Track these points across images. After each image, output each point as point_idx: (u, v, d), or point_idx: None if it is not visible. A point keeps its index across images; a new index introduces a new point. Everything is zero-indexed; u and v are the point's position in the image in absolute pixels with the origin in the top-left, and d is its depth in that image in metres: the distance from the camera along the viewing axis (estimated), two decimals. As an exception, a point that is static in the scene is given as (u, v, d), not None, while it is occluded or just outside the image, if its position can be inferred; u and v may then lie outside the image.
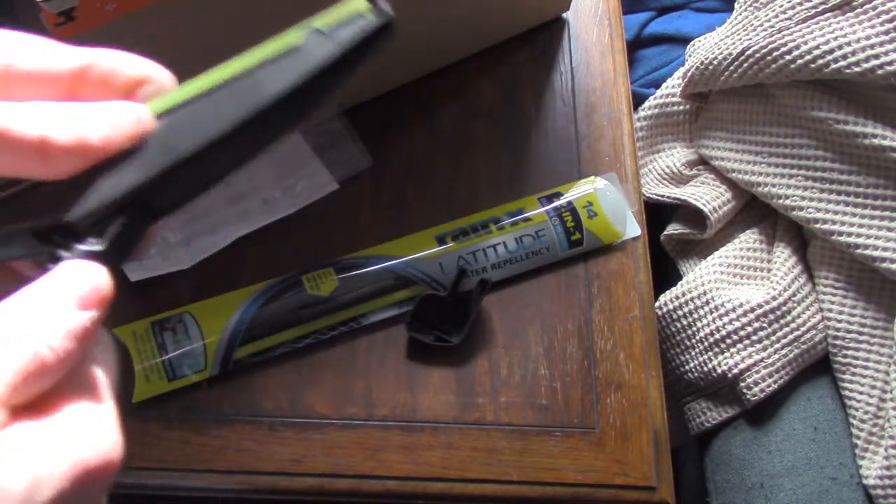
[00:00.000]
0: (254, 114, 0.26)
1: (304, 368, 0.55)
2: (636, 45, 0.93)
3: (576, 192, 0.60)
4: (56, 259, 0.25)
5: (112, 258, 0.26)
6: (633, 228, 0.60)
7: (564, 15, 0.70)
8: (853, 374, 0.71)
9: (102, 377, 0.26)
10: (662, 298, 0.76)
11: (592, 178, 0.61)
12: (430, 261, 0.57)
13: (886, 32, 0.66)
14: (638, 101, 0.86)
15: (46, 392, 0.24)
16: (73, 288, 0.24)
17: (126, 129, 0.26)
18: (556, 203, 0.60)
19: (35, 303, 0.24)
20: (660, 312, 0.76)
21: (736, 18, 0.78)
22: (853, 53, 0.67)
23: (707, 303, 0.73)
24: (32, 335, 0.23)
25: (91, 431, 0.24)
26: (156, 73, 0.27)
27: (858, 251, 0.70)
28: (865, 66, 0.67)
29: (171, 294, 0.55)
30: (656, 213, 0.83)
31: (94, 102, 0.26)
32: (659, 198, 0.81)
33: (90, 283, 0.25)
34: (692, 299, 0.74)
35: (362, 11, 0.27)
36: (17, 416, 0.23)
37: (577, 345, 0.57)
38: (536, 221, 0.59)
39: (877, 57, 0.66)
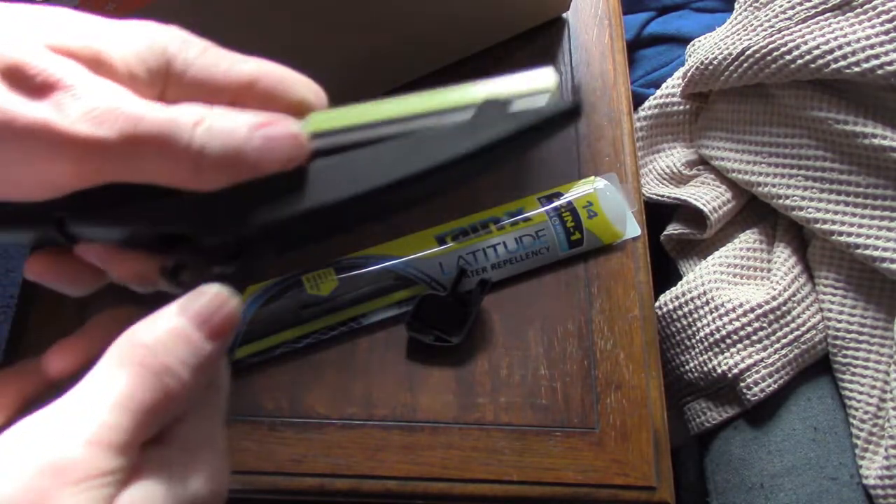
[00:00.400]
0: (413, 177, 0.25)
1: (304, 368, 0.55)
2: (636, 45, 0.93)
3: (576, 192, 0.60)
4: (180, 273, 0.25)
5: (239, 284, 0.25)
6: (633, 228, 0.60)
7: (564, 15, 0.70)
8: (853, 374, 0.71)
9: (219, 402, 0.25)
10: (662, 298, 0.76)
11: (592, 178, 0.61)
12: (430, 261, 0.57)
13: (886, 32, 0.66)
14: (638, 101, 0.86)
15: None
16: (209, 316, 0.24)
17: (285, 154, 0.24)
18: (556, 203, 0.60)
19: (170, 329, 0.23)
20: (660, 312, 0.76)
21: (736, 18, 0.78)
22: (853, 53, 0.67)
23: (707, 303, 0.73)
24: (164, 368, 0.23)
25: (210, 469, 0.23)
26: (318, 98, 0.26)
27: (858, 251, 0.70)
28: (865, 66, 0.67)
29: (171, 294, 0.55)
30: (656, 213, 0.83)
31: (257, 114, 0.24)
32: (659, 198, 0.81)
33: (224, 312, 0.24)
34: (692, 299, 0.74)
35: (551, 89, 0.25)
36: (143, 455, 0.22)
37: (577, 345, 0.57)
38: (536, 221, 0.59)
39: (877, 57, 0.66)
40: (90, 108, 0.23)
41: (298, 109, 0.26)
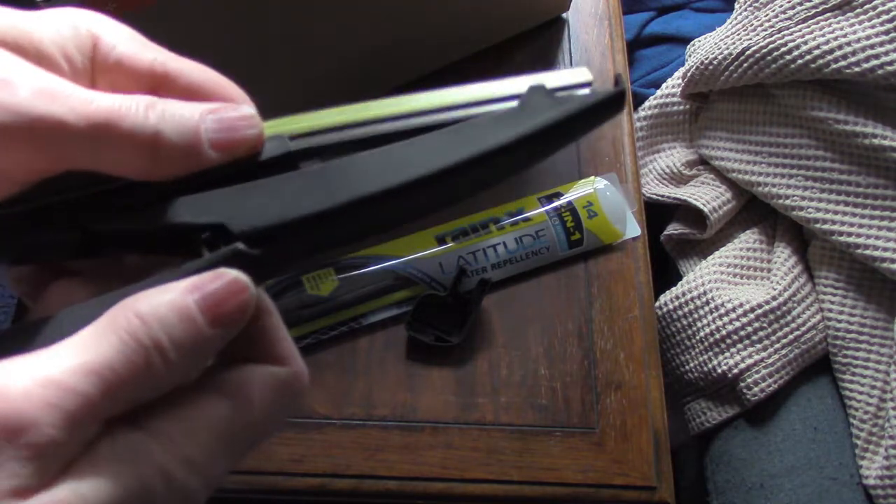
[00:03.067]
0: (462, 164, 0.23)
1: (304, 368, 0.55)
2: (636, 45, 0.93)
3: (576, 192, 0.60)
4: (203, 250, 0.23)
5: (265, 270, 0.23)
6: (633, 228, 0.60)
7: (564, 15, 0.70)
8: (853, 374, 0.71)
9: (232, 417, 0.22)
10: (662, 298, 0.76)
11: (592, 178, 0.61)
12: (430, 261, 0.57)
13: (886, 32, 0.66)
14: (638, 101, 0.86)
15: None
16: (219, 301, 0.21)
17: (241, 136, 0.23)
18: (556, 203, 0.60)
19: (173, 304, 0.21)
20: (660, 312, 0.76)
21: (736, 18, 0.78)
22: (853, 53, 0.67)
23: (707, 303, 0.73)
24: (154, 342, 0.20)
25: (186, 443, 0.21)
26: (241, 99, 0.25)
27: (858, 251, 0.70)
28: (865, 66, 0.67)
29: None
30: (656, 213, 0.83)
31: (207, 103, 0.24)
32: (659, 198, 0.81)
33: (237, 301, 0.22)
34: (692, 299, 0.74)
35: (591, 80, 0.25)
36: (107, 431, 0.20)
37: (577, 345, 0.57)
38: (536, 221, 0.59)
39: (877, 57, 0.66)
40: (40, 87, 0.22)
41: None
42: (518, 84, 0.24)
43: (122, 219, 0.24)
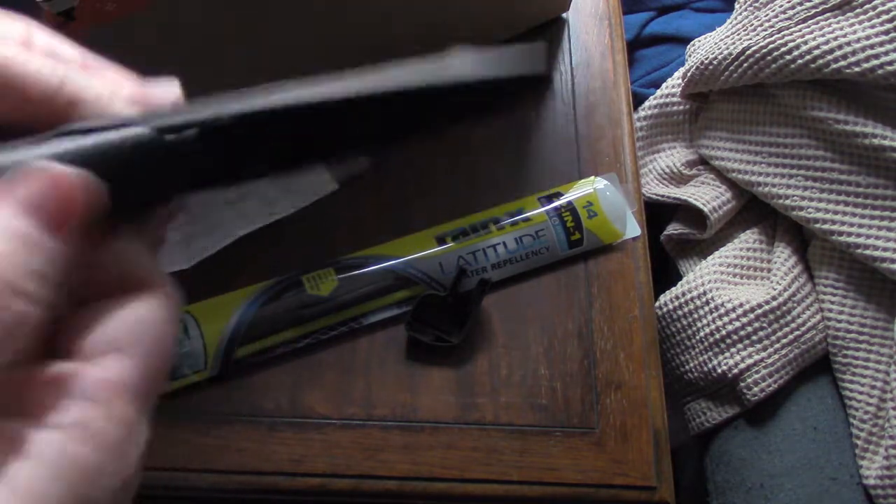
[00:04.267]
0: (364, 95, 0.22)
1: (304, 368, 0.55)
2: (636, 45, 0.93)
3: (576, 192, 0.60)
4: None
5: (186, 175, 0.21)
6: (633, 228, 0.60)
7: (564, 15, 0.70)
8: (853, 374, 0.71)
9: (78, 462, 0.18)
10: (662, 298, 0.76)
11: (592, 178, 0.61)
12: (430, 261, 0.57)
13: (886, 32, 0.66)
14: (638, 101, 0.86)
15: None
16: (42, 202, 0.18)
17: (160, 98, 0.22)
18: (556, 203, 0.60)
19: (4, 232, 0.17)
20: (660, 312, 0.76)
21: (736, 18, 0.78)
22: (853, 53, 0.67)
23: (707, 303, 0.73)
24: (11, 290, 0.17)
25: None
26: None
27: (858, 251, 0.70)
28: (865, 66, 0.67)
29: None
30: (656, 213, 0.83)
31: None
32: (659, 198, 0.81)
33: (63, 192, 0.18)
34: (692, 299, 0.74)
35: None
36: None
37: (577, 345, 0.57)
38: (536, 221, 0.59)
39: (877, 57, 0.66)
40: None
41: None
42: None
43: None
